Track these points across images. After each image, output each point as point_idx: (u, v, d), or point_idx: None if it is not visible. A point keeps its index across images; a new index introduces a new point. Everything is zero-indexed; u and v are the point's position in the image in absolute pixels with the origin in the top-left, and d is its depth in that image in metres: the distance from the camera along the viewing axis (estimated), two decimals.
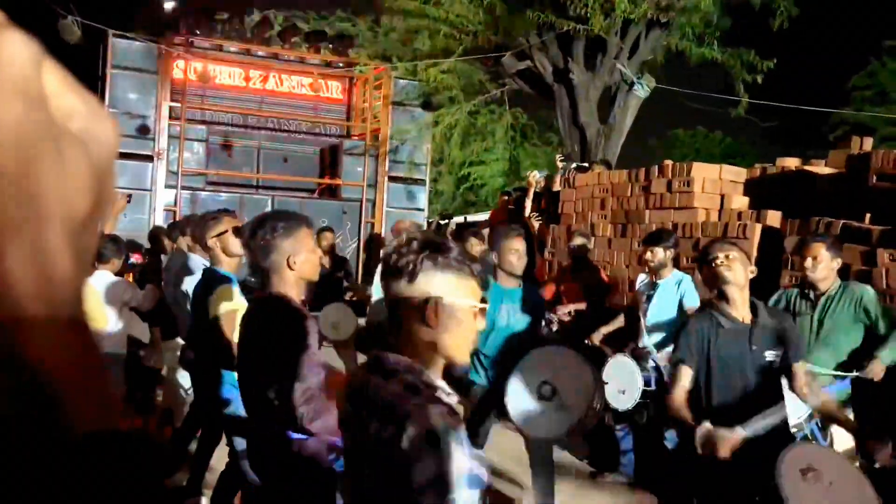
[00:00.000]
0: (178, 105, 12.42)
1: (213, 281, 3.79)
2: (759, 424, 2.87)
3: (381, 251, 8.28)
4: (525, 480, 4.47)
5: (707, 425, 2.91)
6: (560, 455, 5.77)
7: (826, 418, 3.53)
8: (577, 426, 3.86)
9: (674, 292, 4.88)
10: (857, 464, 4.07)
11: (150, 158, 12.33)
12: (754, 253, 5.87)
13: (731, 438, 2.83)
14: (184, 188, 12.44)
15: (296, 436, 2.62)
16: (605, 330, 5.60)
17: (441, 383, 1.60)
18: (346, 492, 1.65)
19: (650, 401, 4.82)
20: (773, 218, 5.98)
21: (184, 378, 5.50)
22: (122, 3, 11.78)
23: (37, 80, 0.42)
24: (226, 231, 3.85)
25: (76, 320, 0.44)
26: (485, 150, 19.46)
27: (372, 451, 1.49)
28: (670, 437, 4.84)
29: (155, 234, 7.50)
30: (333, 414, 2.13)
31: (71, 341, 0.44)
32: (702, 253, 3.29)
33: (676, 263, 5.39)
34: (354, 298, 7.89)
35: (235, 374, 3.11)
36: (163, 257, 6.93)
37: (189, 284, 4.70)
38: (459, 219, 16.15)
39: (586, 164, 8.59)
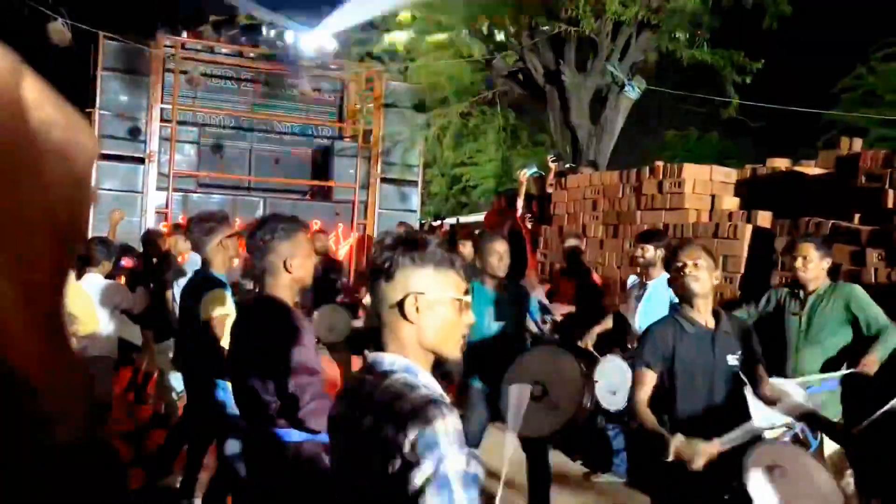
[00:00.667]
0: (170, 107, 12.40)
1: (205, 283, 3.79)
2: (734, 436, 2.90)
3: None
4: (519, 480, 4.49)
5: (680, 437, 2.93)
6: (554, 454, 5.79)
7: (805, 420, 3.55)
8: (568, 424, 3.89)
9: (664, 292, 4.89)
10: (849, 470, 4.11)
11: (141, 161, 12.30)
12: (745, 253, 5.90)
13: (706, 450, 2.85)
14: (175, 190, 12.41)
15: (292, 437, 2.63)
16: (597, 331, 5.60)
17: (434, 383, 1.60)
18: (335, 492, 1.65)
19: None
20: (764, 218, 6.02)
21: (176, 380, 5.49)
22: (112, 5, 11.73)
23: (16, 91, 0.42)
24: (228, 236, 3.87)
25: (57, 328, 0.45)
26: (477, 151, 19.48)
27: (366, 452, 1.50)
28: None
29: (149, 236, 7.48)
30: None
31: (51, 349, 0.44)
32: (671, 255, 3.30)
33: None
34: (347, 301, 7.89)
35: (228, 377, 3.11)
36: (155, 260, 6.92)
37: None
38: (452, 220, 16.17)
39: (574, 166, 8.62)
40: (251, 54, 13.46)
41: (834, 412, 4.10)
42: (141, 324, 6.19)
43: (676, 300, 3.39)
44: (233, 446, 3.25)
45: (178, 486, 4.51)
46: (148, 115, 12.30)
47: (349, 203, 13.55)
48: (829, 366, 4.19)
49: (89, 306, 4.86)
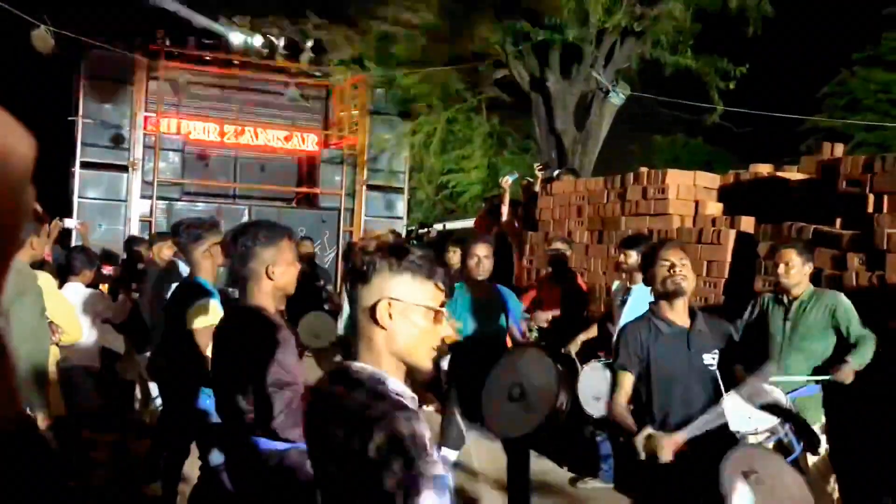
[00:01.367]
0: (154, 115, 12.34)
1: (192, 292, 3.76)
2: (697, 424, 2.91)
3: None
4: (502, 483, 4.48)
5: (647, 430, 2.95)
6: (541, 461, 5.78)
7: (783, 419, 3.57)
8: (544, 424, 3.91)
9: (647, 297, 4.89)
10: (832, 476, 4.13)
11: (125, 169, 12.24)
12: (728, 258, 5.93)
13: (671, 441, 2.87)
14: (159, 198, 12.36)
15: (276, 446, 2.61)
16: (581, 338, 5.61)
17: (404, 389, 1.58)
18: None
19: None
20: (747, 223, 6.05)
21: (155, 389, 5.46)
22: (96, 12, 11.67)
23: None
24: (215, 243, 3.82)
25: None
26: (463, 157, 19.48)
27: (339, 462, 1.49)
28: None
29: (130, 243, 7.43)
30: None
31: None
32: (650, 255, 3.27)
33: None
34: (332, 307, 7.88)
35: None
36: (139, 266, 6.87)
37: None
38: (439, 226, 16.15)
39: (559, 172, 8.64)
40: (236, 62, 13.43)
41: (815, 417, 4.12)
42: (123, 332, 6.15)
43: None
44: (217, 456, 3.22)
45: (159, 496, 4.46)
46: (131, 122, 12.24)
47: (335, 210, 13.53)
48: (813, 371, 4.21)
49: (72, 315, 4.81)
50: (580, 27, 10.40)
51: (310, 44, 13.66)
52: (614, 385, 3.31)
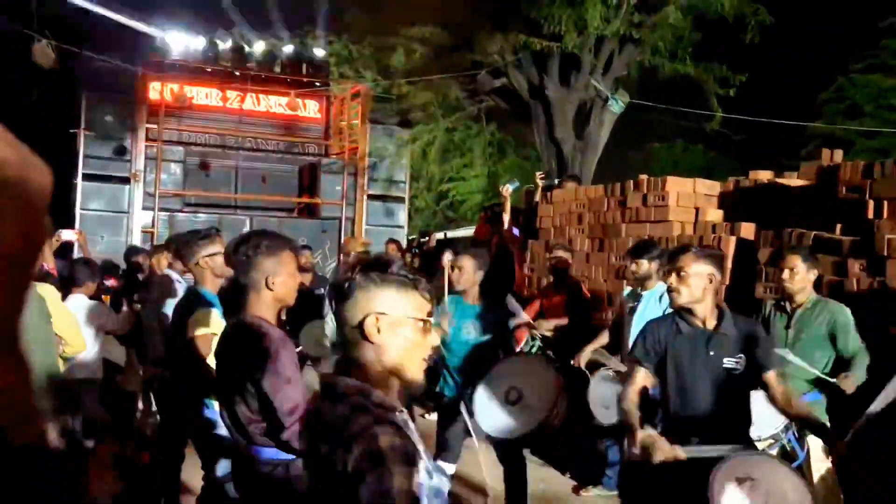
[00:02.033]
0: (155, 127, 12.38)
1: (195, 302, 3.77)
2: (700, 451, 2.91)
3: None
4: (499, 492, 4.47)
5: (649, 431, 2.95)
6: (543, 469, 5.77)
7: (804, 426, 3.56)
8: (539, 428, 3.91)
9: (658, 303, 4.87)
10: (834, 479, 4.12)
11: (126, 180, 12.27)
12: (729, 265, 5.93)
13: (667, 451, 2.87)
14: (161, 210, 12.37)
15: (282, 456, 2.61)
16: (590, 349, 5.53)
17: (392, 402, 1.58)
18: None
19: None
20: (747, 230, 6.05)
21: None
22: (97, 26, 11.72)
23: None
24: (217, 252, 3.81)
25: (12, 348, 0.46)
26: (463, 166, 19.56)
27: (324, 477, 1.49)
28: None
29: (130, 254, 7.44)
30: None
31: (7, 367, 0.45)
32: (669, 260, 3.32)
33: None
34: None
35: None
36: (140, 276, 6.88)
37: (171, 307, 4.67)
38: (440, 235, 16.17)
39: (559, 180, 8.66)
40: (236, 72, 13.49)
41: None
42: (125, 344, 6.15)
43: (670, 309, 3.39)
44: (223, 467, 3.22)
45: None
46: (133, 134, 12.28)
47: (336, 220, 13.54)
48: (814, 378, 4.20)
49: (75, 327, 4.82)
50: (578, 35, 10.43)
51: (315, 52, 13.72)
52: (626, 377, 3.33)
